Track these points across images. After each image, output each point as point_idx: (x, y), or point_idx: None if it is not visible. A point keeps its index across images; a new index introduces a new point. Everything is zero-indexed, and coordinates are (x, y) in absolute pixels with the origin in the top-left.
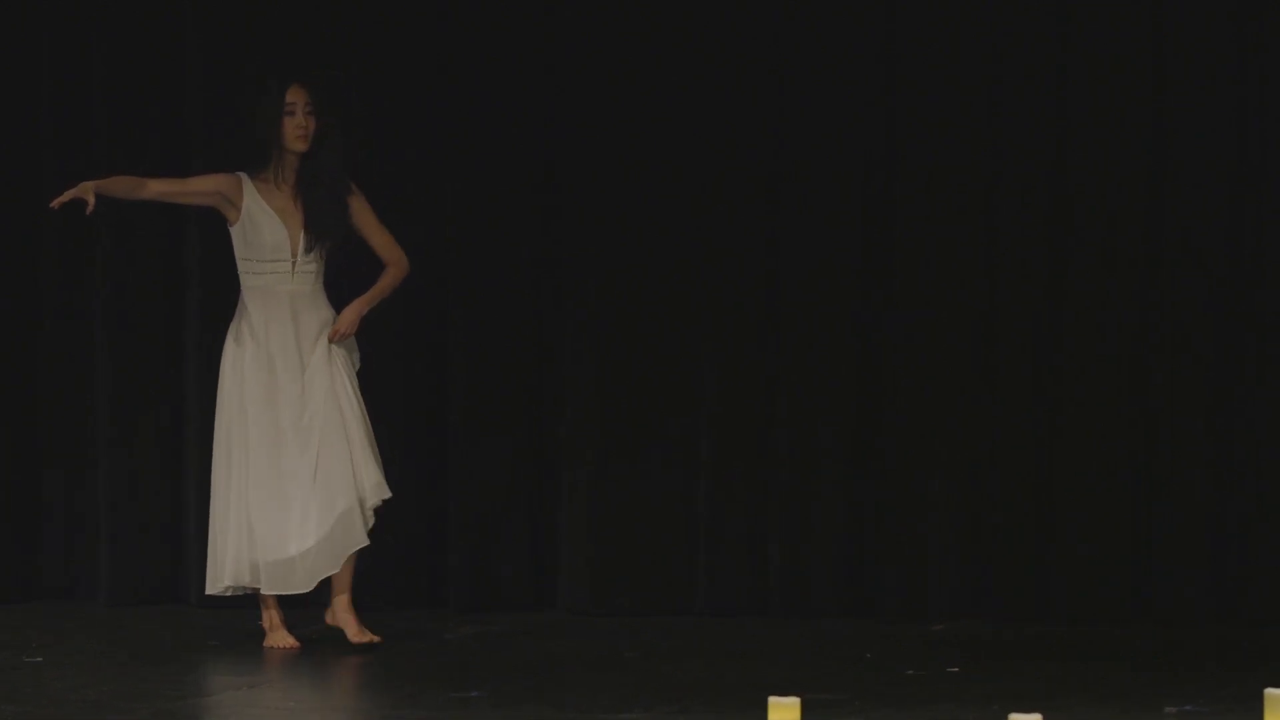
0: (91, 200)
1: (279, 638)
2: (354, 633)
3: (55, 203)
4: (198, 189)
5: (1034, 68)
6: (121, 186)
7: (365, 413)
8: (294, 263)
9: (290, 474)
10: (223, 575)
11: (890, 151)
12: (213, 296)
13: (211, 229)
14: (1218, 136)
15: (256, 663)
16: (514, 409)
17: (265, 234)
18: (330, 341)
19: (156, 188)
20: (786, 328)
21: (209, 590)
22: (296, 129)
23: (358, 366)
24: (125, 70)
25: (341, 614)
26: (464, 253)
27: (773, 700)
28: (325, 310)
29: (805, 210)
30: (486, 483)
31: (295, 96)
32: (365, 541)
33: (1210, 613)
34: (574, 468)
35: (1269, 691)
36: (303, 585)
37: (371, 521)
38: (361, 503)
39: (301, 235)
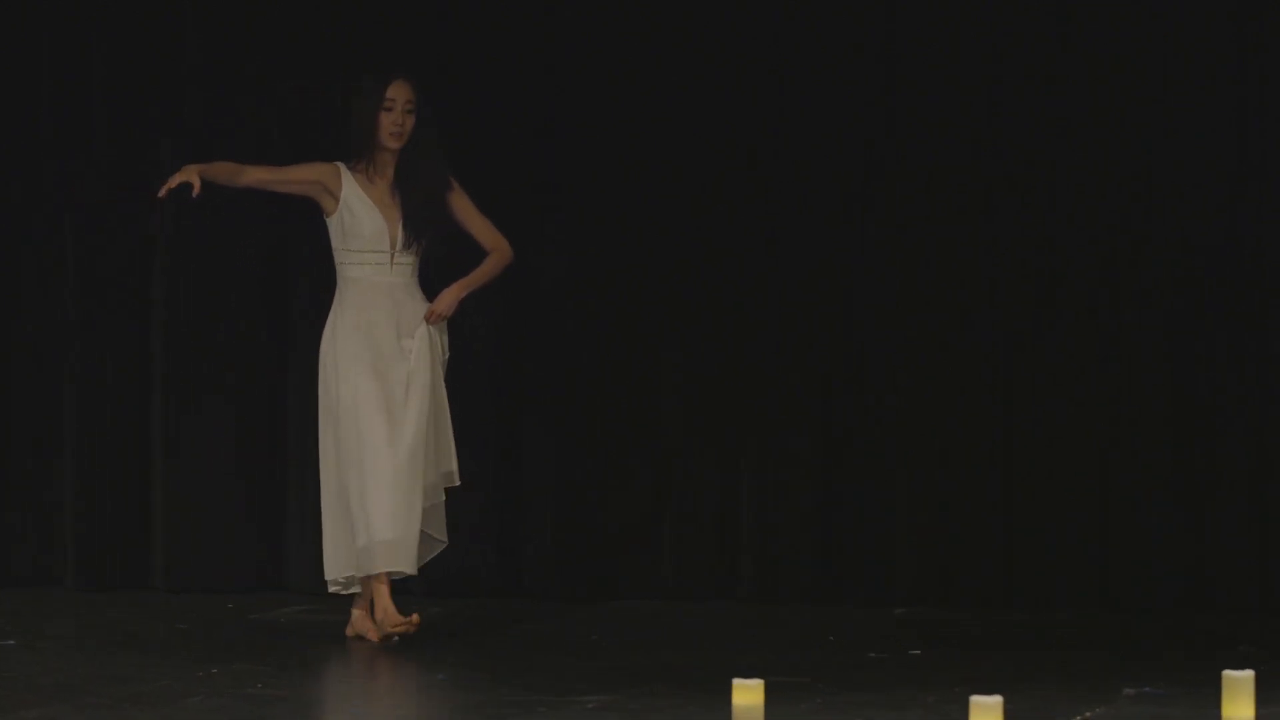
0: (197, 184)
1: (395, 620)
2: (372, 632)
3: (163, 190)
4: (296, 178)
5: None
6: (223, 173)
7: (446, 404)
8: (392, 254)
9: (404, 459)
10: (344, 564)
11: (867, 149)
12: (181, 284)
13: (180, 220)
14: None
15: (224, 647)
16: (482, 396)
17: (365, 224)
18: (427, 322)
19: (254, 175)
20: (757, 319)
21: (329, 575)
22: (393, 125)
23: (446, 355)
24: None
25: (361, 619)
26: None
27: (737, 682)
28: (422, 302)
29: (778, 207)
30: None
31: (396, 93)
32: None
33: (1168, 598)
34: (541, 452)
35: (1227, 674)
36: (410, 566)
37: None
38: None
39: (400, 231)
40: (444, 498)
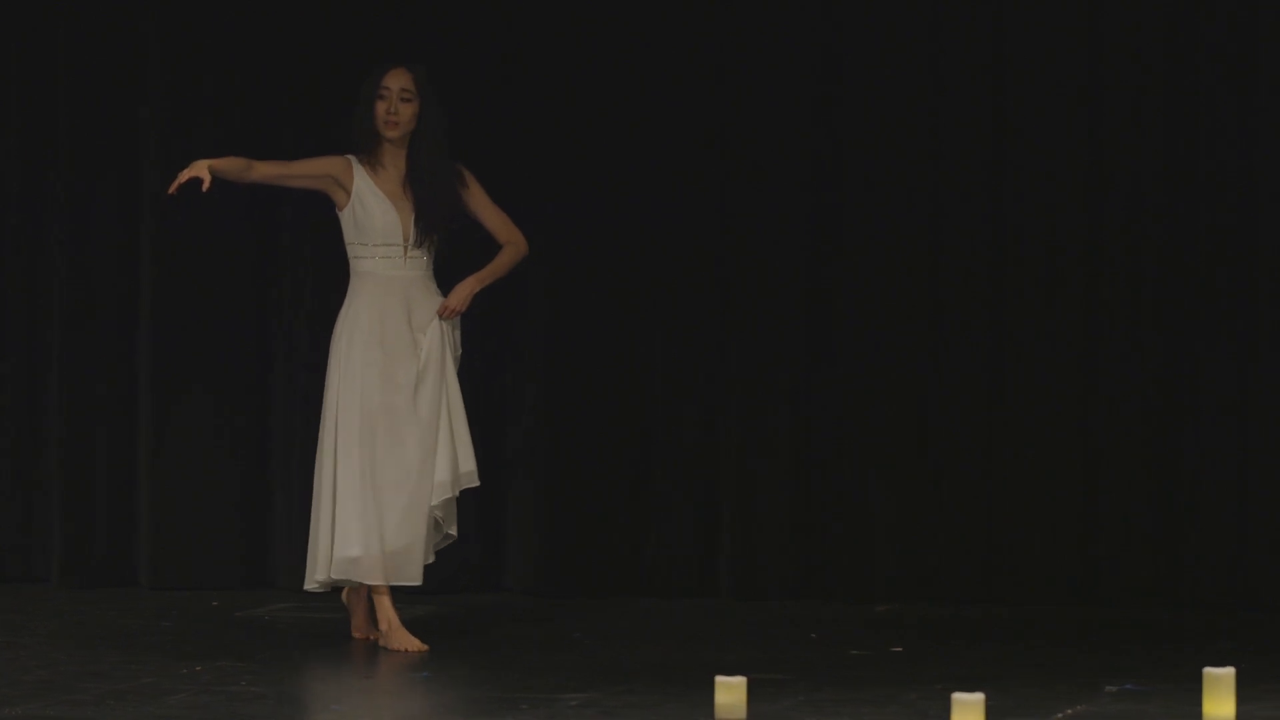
0: (208, 179)
1: (402, 639)
2: (359, 629)
3: (174, 186)
4: (306, 171)
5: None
6: (233, 167)
7: (462, 402)
8: (405, 248)
9: (411, 465)
10: (318, 569)
11: (839, 150)
12: (168, 280)
13: (168, 215)
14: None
15: (207, 645)
16: (465, 394)
17: (376, 217)
18: (440, 317)
19: (265, 170)
20: (736, 318)
21: (320, 576)
22: (386, 114)
23: (458, 351)
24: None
25: (353, 593)
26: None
27: (719, 680)
28: (437, 297)
29: (755, 209)
30: None
31: (391, 82)
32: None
33: (1152, 594)
34: (524, 450)
35: (1208, 671)
36: (416, 577)
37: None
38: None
39: (413, 226)
40: (457, 494)
